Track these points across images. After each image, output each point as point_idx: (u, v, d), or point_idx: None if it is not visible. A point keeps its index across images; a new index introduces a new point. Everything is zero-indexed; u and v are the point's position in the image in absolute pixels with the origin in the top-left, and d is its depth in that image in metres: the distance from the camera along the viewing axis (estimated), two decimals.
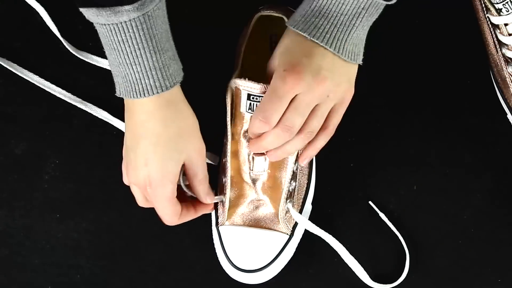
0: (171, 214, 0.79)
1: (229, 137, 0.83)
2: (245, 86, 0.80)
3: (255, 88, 0.79)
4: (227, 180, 0.84)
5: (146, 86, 0.72)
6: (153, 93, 0.73)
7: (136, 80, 0.73)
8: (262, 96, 0.80)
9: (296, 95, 0.73)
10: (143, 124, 0.74)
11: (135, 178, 0.77)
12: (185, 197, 0.82)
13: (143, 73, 0.72)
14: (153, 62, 0.72)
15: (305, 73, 0.72)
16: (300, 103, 0.74)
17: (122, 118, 0.92)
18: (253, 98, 0.80)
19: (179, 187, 0.79)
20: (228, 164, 0.83)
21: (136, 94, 0.73)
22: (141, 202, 0.80)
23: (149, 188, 0.76)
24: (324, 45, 0.73)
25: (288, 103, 0.74)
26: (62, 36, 0.94)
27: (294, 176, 0.84)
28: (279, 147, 0.77)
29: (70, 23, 0.95)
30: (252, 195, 0.84)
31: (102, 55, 0.94)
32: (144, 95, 0.73)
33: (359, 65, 0.78)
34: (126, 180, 0.81)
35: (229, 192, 0.84)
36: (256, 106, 0.81)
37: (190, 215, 0.82)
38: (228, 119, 0.83)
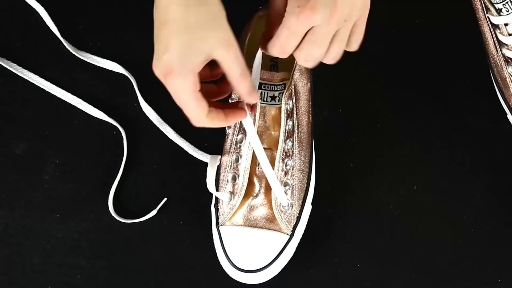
0: (197, 110, 0.72)
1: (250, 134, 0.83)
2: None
3: (269, 76, 0.79)
4: (243, 181, 0.84)
5: None
6: None
7: None
8: (275, 85, 0.80)
9: (312, 27, 0.71)
10: (164, 10, 0.69)
11: (157, 67, 0.71)
12: (215, 102, 0.76)
13: None
14: None
15: (320, 8, 0.69)
16: (318, 36, 0.71)
17: (122, 118, 0.92)
18: (264, 87, 0.80)
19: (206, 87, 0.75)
20: (247, 163, 0.83)
21: None
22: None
23: (170, 77, 0.70)
24: None
25: (303, 35, 0.71)
26: (62, 36, 0.94)
27: (286, 173, 0.85)
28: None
29: (70, 23, 0.95)
30: (256, 194, 0.84)
31: (102, 55, 0.94)
32: None
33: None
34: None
35: (243, 193, 0.84)
36: (267, 95, 0.81)
37: (219, 120, 0.75)
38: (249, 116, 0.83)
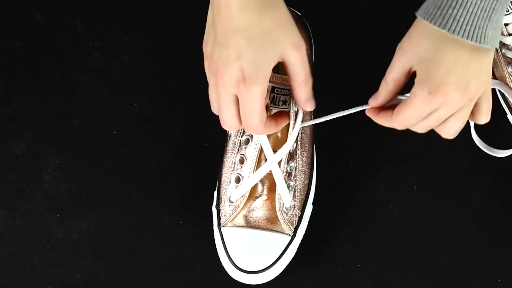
0: (260, 118, 0.72)
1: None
2: (271, 79, 0.80)
3: (282, 80, 0.79)
4: (248, 183, 0.84)
5: None
6: None
7: None
8: (287, 89, 0.80)
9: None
10: (236, 17, 0.69)
11: (228, 75, 0.70)
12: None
13: None
14: None
15: (451, 93, 0.70)
16: (442, 115, 0.72)
17: (122, 118, 0.92)
18: (277, 91, 0.80)
19: None
20: (253, 165, 0.83)
21: None
22: (228, 113, 0.74)
23: (242, 85, 0.70)
24: (466, 39, 0.68)
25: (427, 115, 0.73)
26: (61, 36, 0.94)
27: (290, 174, 0.85)
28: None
29: (70, 23, 0.95)
30: (258, 195, 0.84)
31: (102, 55, 0.94)
32: None
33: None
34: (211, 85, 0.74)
35: (248, 195, 0.84)
36: (279, 99, 0.81)
37: (272, 127, 0.77)
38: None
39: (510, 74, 0.88)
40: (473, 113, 0.74)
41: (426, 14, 0.69)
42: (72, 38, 0.94)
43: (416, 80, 0.71)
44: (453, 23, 0.68)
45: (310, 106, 0.76)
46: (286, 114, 0.80)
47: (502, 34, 0.86)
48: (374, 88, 0.94)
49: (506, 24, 0.86)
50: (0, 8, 0.95)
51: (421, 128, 0.74)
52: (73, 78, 0.94)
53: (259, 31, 0.69)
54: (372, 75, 0.94)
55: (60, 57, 0.94)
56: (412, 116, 0.72)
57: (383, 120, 0.75)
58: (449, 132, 0.74)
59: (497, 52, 0.88)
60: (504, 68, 0.88)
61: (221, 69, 0.71)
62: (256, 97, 0.71)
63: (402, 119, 0.73)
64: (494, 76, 0.91)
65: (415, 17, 0.96)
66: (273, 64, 0.70)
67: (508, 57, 0.87)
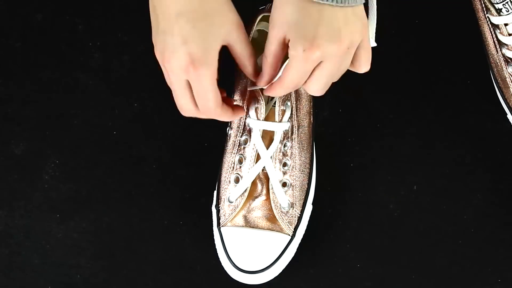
0: (215, 100, 0.73)
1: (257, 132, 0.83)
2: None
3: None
4: (247, 182, 0.84)
5: None
6: None
7: None
8: None
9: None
10: (178, 2, 0.70)
11: (176, 61, 0.71)
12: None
13: None
14: None
15: (325, 44, 0.70)
16: (327, 69, 0.72)
17: (122, 118, 0.93)
18: None
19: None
20: (251, 164, 0.83)
21: None
22: (183, 99, 0.74)
23: (192, 69, 0.70)
24: (331, 3, 0.69)
25: (311, 71, 0.72)
26: (61, 36, 0.94)
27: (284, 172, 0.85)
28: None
29: (70, 23, 0.95)
30: (257, 195, 0.84)
31: (102, 55, 0.94)
32: None
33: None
34: (168, 80, 0.74)
35: (246, 195, 0.84)
36: (281, 98, 0.83)
37: (228, 113, 0.76)
38: (262, 115, 0.83)
39: (510, 74, 0.88)
40: (352, 63, 0.74)
41: None
42: (72, 38, 0.94)
43: (289, 44, 0.71)
44: None
45: (263, 80, 0.76)
46: (242, 107, 0.81)
47: (502, 34, 0.86)
48: (374, 87, 0.94)
49: (506, 24, 0.86)
50: (0, 8, 0.95)
51: (315, 88, 0.73)
52: (73, 78, 0.94)
53: (203, 14, 0.70)
54: (372, 74, 0.94)
55: (60, 57, 0.94)
56: (296, 77, 0.72)
57: (279, 91, 0.75)
58: (334, 80, 0.74)
59: (497, 52, 0.88)
60: (504, 68, 0.88)
61: (168, 57, 0.71)
62: (207, 79, 0.71)
63: (288, 82, 0.73)
64: (494, 77, 0.91)
65: (413, 17, 0.97)
66: (219, 45, 0.71)
67: (508, 57, 0.87)
